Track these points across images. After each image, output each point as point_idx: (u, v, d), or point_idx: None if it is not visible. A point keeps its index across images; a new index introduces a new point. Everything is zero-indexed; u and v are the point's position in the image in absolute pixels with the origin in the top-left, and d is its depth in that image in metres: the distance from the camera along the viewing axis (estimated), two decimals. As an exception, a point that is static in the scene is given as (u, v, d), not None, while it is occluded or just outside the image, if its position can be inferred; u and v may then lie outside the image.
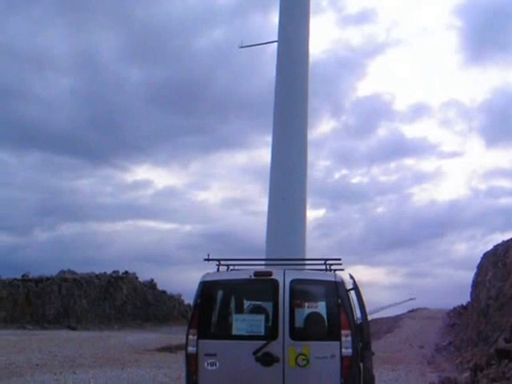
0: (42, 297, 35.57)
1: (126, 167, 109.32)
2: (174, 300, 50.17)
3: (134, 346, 21.57)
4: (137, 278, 46.20)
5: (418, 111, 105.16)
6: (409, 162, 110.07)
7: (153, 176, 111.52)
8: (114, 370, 13.81)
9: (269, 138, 12.85)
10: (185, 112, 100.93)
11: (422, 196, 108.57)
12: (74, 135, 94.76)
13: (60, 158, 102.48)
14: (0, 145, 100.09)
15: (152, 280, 48.02)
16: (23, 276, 35.56)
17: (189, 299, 50.34)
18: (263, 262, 7.77)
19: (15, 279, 34.62)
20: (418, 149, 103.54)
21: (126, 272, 45.14)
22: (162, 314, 47.12)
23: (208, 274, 6.62)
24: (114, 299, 42.04)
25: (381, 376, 11.13)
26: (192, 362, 6.10)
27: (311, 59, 12.87)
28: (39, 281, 35.87)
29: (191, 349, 6.11)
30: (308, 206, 12.90)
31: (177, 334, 27.68)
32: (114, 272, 43.84)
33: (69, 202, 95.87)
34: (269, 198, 12.35)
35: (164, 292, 48.93)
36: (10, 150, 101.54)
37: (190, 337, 6.14)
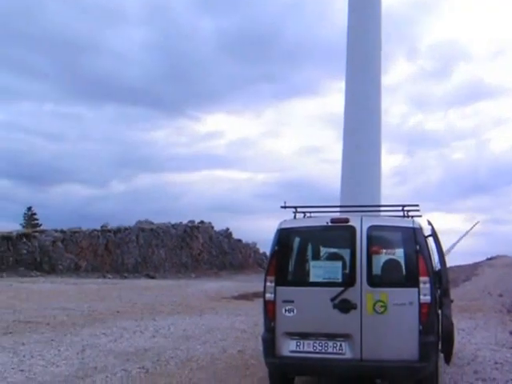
0: (121, 247, 36.34)
1: (200, 117, 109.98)
2: (249, 248, 50.60)
3: (210, 293, 21.71)
4: (212, 227, 46.68)
5: (497, 54, 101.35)
6: (487, 106, 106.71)
7: (226, 125, 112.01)
8: (192, 317, 13.87)
9: (342, 85, 12.49)
10: (257, 60, 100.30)
11: (500, 141, 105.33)
12: (148, 87, 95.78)
13: (135, 110, 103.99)
14: (77, 99, 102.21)
15: (227, 229, 48.49)
16: (102, 227, 36.34)
17: (264, 248, 50.64)
18: (340, 209, 7.73)
19: (95, 230, 35.42)
20: (497, 92, 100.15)
21: (202, 221, 45.63)
22: (238, 263, 47.62)
23: (285, 221, 6.65)
24: (191, 248, 42.63)
25: (459, 324, 10.74)
26: (270, 309, 6.15)
27: (384, 1, 12.31)
28: (118, 231, 36.62)
29: (269, 295, 6.16)
30: (383, 153, 12.52)
31: (252, 282, 27.83)
32: (189, 222, 44.37)
33: (144, 154, 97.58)
34: (343, 146, 12.07)
35: (239, 241, 49.36)
36: (86, 104, 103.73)
37: (268, 284, 6.18)
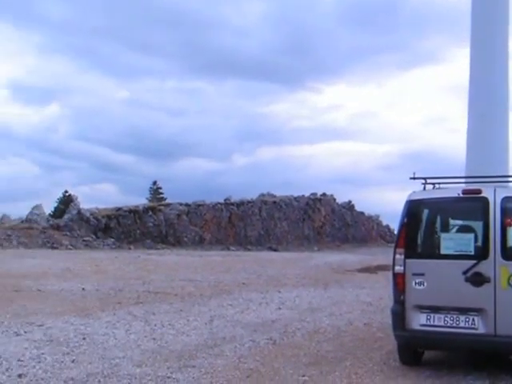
0: (244, 219, 36.83)
1: (320, 89, 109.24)
2: (372, 221, 49.97)
3: (333, 266, 21.60)
4: (334, 199, 46.41)
5: None
6: None
7: (347, 97, 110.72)
8: (316, 289, 13.84)
9: (468, 52, 11.97)
10: (378, 29, 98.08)
11: None
12: (268, 60, 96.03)
13: (255, 83, 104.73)
14: (198, 74, 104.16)
15: (350, 201, 48.05)
16: (225, 200, 36.95)
17: (387, 220, 49.93)
18: (471, 180, 7.48)
19: (218, 203, 36.06)
20: None
21: (324, 194, 45.45)
22: (360, 236, 47.18)
23: (414, 192, 6.54)
24: (313, 221, 42.62)
25: None
26: (399, 281, 6.03)
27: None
28: (240, 204, 37.12)
29: (398, 268, 6.05)
30: (511, 123, 11.93)
31: (376, 255, 27.48)
32: (311, 194, 44.30)
33: (266, 127, 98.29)
34: (468, 115, 11.62)
35: (362, 213, 48.81)
36: (207, 79, 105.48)
37: (397, 256, 6.04)
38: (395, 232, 6.95)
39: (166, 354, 6.93)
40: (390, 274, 6.35)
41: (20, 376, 5.83)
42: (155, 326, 8.56)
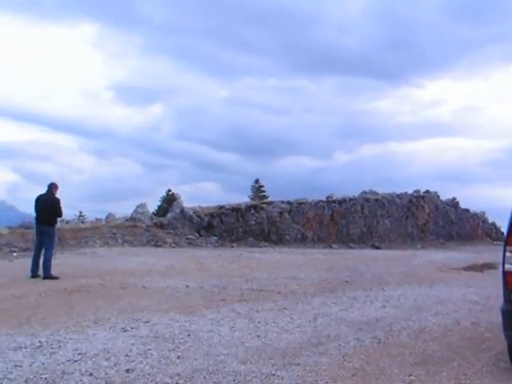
0: (346, 217, 36.46)
1: (424, 84, 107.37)
2: (478, 218, 48.29)
3: (438, 264, 20.99)
4: (438, 196, 45.19)
5: None
6: None
7: (452, 92, 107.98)
8: (421, 287, 13.46)
9: None
10: (483, 22, 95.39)
11: None
12: (370, 56, 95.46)
13: (356, 80, 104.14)
14: (299, 71, 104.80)
15: (454, 198, 46.65)
16: (327, 197, 36.68)
17: (493, 217, 48.25)
18: None
19: (320, 201, 35.83)
20: None
21: (427, 191, 44.35)
22: (465, 233, 45.73)
23: None
24: (416, 218, 41.70)
25: None
26: (510, 280, 5.73)
27: None
28: (342, 202, 36.74)
29: (509, 266, 5.74)
30: None
31: (482, 253, 26.54)
32: (415, 191, 43.32)
33: (368, 124, 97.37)
34: None
35: (467, 210, 47.28)
36: (308, 76, 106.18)
37: (508, 254, 5.72)
38: (502, 229, 6.65)
39: (271, 351, 6.88)
40: (497, 273, 6.08)
41: (128, 371, 5.92)
42: (259, 323, 8.54)
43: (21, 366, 6.06)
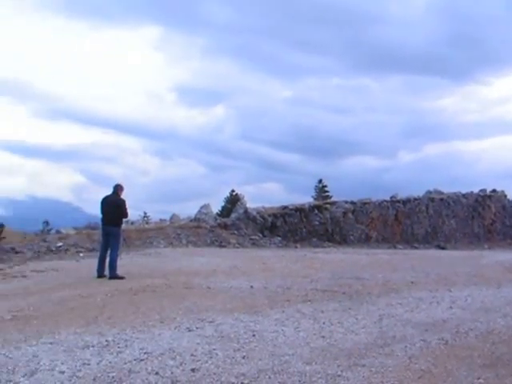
0: (411, 217, 35.92)
1: (490, 82, 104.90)
2: (548, 218, 46.90)
3: (506, 265, 20.44)
4: (505, 195, 44.06)
5: None
6: None
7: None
8: (489, 288, 13.14)
9: None
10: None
11: None
12: (433, 54, 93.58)
13: (420, 78, 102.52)
14: (362, 70, 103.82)
15: (522, 198, 45.42)
16: (391, 197, 36.20)
17: None
18: None
19: (384, 201, 35.40)
20: None
21: (494, 190, 43.29)
22: (535, 234, 44.46)
23: None
24: (483, 218, 40.74)
25: None
26: None
27: None
28: (407, 201, 36.21)
29: None
30: None
31: (554, 254, 25.77)
32: (481, 190, 42.32)
33: (432, 122, 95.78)
34: None
35: (536, 210, 45.99)
36: (371, 75, 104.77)
37: None
38: None
39: (336, 352, 6.83)
40: None
41: (193, 370, 5.97)
42: (324, 323, 8.48)
43: (89, 364, 6.18)
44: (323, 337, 7.61)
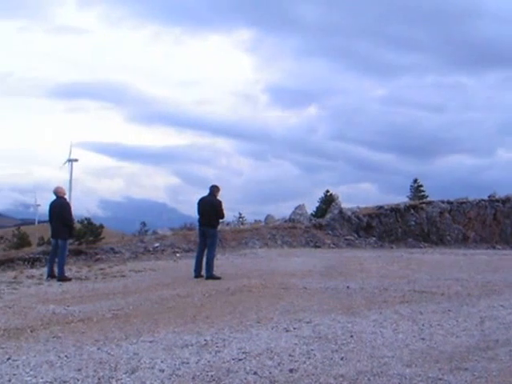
0: (510, 217, 34.71)
1: None
2: None
3: None
4: None
5: None
6: None
7: None
8: None
9: None
10: None
11: None
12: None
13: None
14: (458, 67, 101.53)
15: None
16: (490, 196, 35.13)
17: None
18: None
19: (482, 200, 34.38)
20: None
21: None
22: None
23: None
24: None
25: None
26: None
27: None
28: (506, 200, 35.00)
29: None
30: None
31: None
32: None
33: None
34: None
35: None
36: (467, 72, 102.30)
37: None
38: None
39: (436, 354, 6.68)
40: None
41: (291, 371, 5.98)
42: (423, 325, 8.32)
43: (187, 363, 6.29)
44: (423, 339, 7.46)
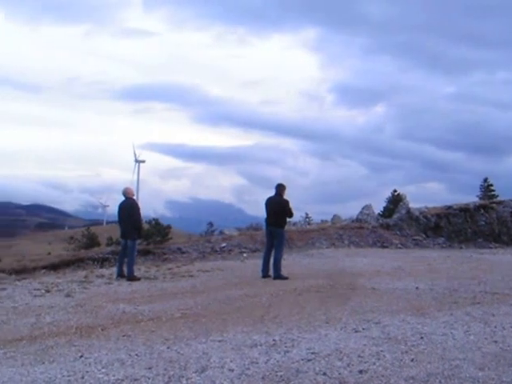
0: None
1: None
2: None
3: None
4: None
5: None
6: None
7: None
8: None
9: None
10: None
11: None
12: None
13: None
14: None
15: None
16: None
17: None
18: None
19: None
20: None
21: None
22: None
23: None
24: None
25: None
26: None
27: None
28: None
29: None
30: None
31: None
32: None
33: None
34: None
35: None
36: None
37: None
38: None
39: (510, 358, 6.51)
40: None
41: (361, 372, 5.94)
42: (495, 327, 8.12)
43: (257, 363, 6.33)
44: (495, 341, 7.28)
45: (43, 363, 6.48)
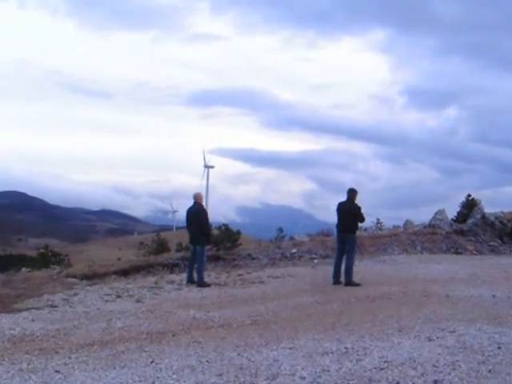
0: None
1: None
2: None
3: None
4: None
5: None
6: None
7: None
8: None
9: None
10: None
11: None
12: None
13: None
14: None
15: None
16: None
17: None
18: None
19: None
20: None
21: None
22: None
23: None
24: None
25: None
26: None
27: None
28: None
29: None
30: None
31: None
32: None
33: None
34: None
35: None
36: None
37: None
38: None
39: None
40: None
41: (435, 382, 5.79)
42: None
43: (328, 371, 6.24)
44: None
45: (114, 368, 6.56)
